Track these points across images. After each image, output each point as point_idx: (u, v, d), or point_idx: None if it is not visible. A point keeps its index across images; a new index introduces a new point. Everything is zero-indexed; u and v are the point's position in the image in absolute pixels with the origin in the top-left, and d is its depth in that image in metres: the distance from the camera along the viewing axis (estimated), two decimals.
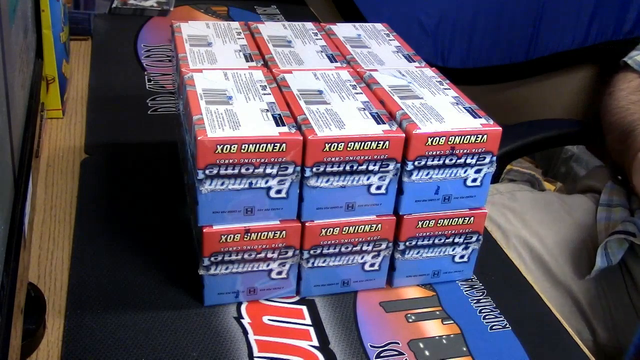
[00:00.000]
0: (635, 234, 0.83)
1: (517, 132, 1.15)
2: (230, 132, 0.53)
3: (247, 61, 0.67)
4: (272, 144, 0.54)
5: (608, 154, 1.07)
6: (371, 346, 0.58)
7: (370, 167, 0.57)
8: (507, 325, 0.61)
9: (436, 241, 0.62)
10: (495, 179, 1.10)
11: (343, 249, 0.60)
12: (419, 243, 0.62)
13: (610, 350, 0.88)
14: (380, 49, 0.73)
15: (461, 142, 0.57)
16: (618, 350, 0.87)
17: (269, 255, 0.58)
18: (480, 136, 0.58)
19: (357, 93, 0.62)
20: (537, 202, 0.97)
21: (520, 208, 0.95)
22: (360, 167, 0.56)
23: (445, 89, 0.64)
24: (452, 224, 0.62)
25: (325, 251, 0.60)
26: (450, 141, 0.57)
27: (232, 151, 0.53)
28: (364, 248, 0.61)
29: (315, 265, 0.60)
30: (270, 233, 0.57)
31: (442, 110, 0.60)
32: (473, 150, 0.58)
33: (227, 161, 0.53)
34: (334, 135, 0.55)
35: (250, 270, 0.59)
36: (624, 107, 1.00)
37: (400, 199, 0.59)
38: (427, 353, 0.57)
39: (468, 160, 0.59)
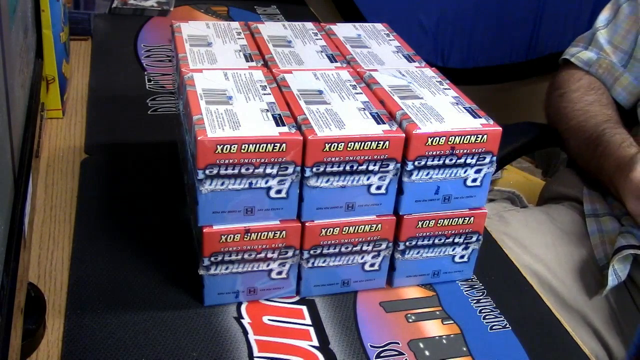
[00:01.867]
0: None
1: (509, 134, 1.14)
2: (230, 132, 0.53)
3: (247, 61, 0.67)
4: (272, 144, 0.54)
5: (571, 157, 1.05)
6: (371, 346, 0.58)
7: (370, 167, 0.57)
8: (507, 325, 0.61)
9: (436, 241, 0.62)
10: None
11: (343, 249, 0.60)
12: (419, 243, 0.62)
13: None
14: (380, 49, 0.73)
15: (461, 142, 0.57)
16: None
17: (269, 255, 0.58)
18: (480, 136, 0.58)
19: (357, 93, 0.62)
20: (527, 222, 0.95)
21: (514, 232, 0.93)
22: (360, 167, 0.56)
23: (445, 89, 0.64)
24: (452, 224, 0.62)
25: (325, 251, 0.60)
26: (450, 141, 0.57)
27: (232, 151, 0.53)
28: (364, 248, 0.61)
29: (315, 265, 0.60)
30: (270, 233, 0.57)
31: (442, 110, 0.60)
32: (473, 150, 0.58)
33: (227, 161, 0.53)
34: (334, 135, 0.55)
35: (250, 270, 0.59)
36: (582, 110, 0.98)
37: (400, 199, 0.59)
38: (427, 353, 0.57)
39: (468, 160, 0.59)
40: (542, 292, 0.68)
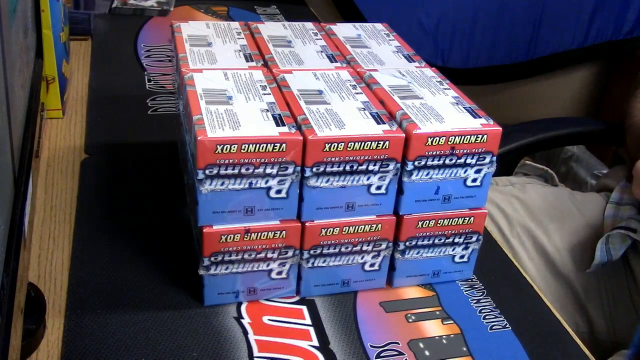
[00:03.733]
0: (637, 230, 0.83)
1: (536, 127, 1.14)
2: (230, 132, 0.53)
3: (247, 61, 0.67)
4: (272, 144, 0.54)
5: (627, 154, 1.06)
6: (371, 346, 0.58)
7: (370, 167, 0.57)
8: (507, 325, 0.61)
9: (436, 241, 0.62)
10: (509, 172, 1.10)
11: (343, 249, 0.60)
12: (419, 243, 0.62)
13: (607, 345, 0.88)
14: (380, 49, 0.73)
15: (461, 142, 0.57)
16: (614, 344, 0.87)
17: (269, 255, 0.58)
18: (480, 136, 0.58)
19: (357, 93, 0.62)
20: (547, 196, 0.97)
21: (529, 200, 0.95)
22: (360, 167, 0.56)
23: (445, 89, 0.64)
24: (452, 224, 0.62)
25: (325, 251, 0.60)
26: (450, 141, 0.57)
27: (232, 151, 0.53)
28: (364, 248, 0.61)
29: (315, 265, 0.60)
30: (270, 233, 0.57)
31: (442, 110, 0.60)
32: (473, 150, 0.58)
33: (227, 161, 0.53)
34: (334, 135, 0.55)
35: (250, 270, 0.59)
36: None
37: (400, 199, 0.59)
38: (427, 353, 0.57)
39: (468, 160, 0.59)
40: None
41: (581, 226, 0.92)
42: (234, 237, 0.56)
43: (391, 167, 0.57)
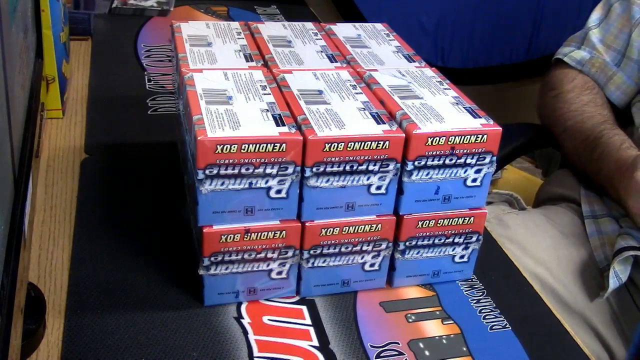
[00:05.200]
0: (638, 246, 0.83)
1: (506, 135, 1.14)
2: (230, 132, 0.53)
3: (247, 61, 0.67)
4: (272, 144, 0.54)
5: (567, 158, 1.04)
6: (371, 346, 0.58)
7: (370, 167, 0.57)
8: (507, 325, 0.61)
9: (436, 241, 0.62)
10: None
11: (343, 249, 0.60)
12: (419, 243, 0.62)
13: None
14: (380, 49, 0.73)
15: (461, 142, 0.57)
16: None
17: (269, 255, 0.58)
18: (480, 136, 0.58)
19: (357, 93, 0.62)
20: (527, 225, 0.95)
21: (514, 235, 0.93)
22: (360, 167, 0.56)
23: (445, 89, 0.64)
24: (452, 224, 0.62)
25: (325, 251, 0.60)
26: (450, 141, 0.57)
27: (232, 151, 0.53)
28: (364, 248, 0.61)
29: (315, 265, 0.60)
30: (270, 233, 0.57)
31: (442, 110, 0.60)
32: (473, 150, 0.58)
33: (227, 161, 0.53)
34: (334, 135, 0.55)
35: (250, 270, 0.59)
36: (578, 110, 0.98)
37: (400, 199, 0.59)
38: (427, 353, 0.57)
39: (468, 160, 0.59)
40: (543, 294, 0.68)
41: (572, 249, 0.91)
42: (234, 237, 0.56)
43: (391, 167, 0.57)
